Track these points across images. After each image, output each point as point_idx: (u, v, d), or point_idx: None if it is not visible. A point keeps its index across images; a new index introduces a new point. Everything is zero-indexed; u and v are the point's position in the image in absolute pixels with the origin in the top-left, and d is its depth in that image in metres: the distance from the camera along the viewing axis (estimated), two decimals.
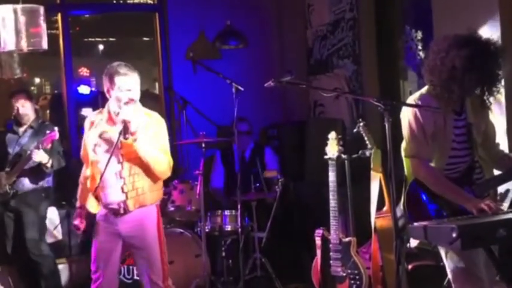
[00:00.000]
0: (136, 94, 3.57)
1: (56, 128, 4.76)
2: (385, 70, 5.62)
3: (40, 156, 4.70)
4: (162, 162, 3.56)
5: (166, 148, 3.62)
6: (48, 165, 4.83)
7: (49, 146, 4.71)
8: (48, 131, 4.72)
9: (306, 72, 6.39)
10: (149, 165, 3.50)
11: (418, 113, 3.07)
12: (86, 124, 3.75)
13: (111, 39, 16.10)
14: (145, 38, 14.30)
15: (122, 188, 3.55)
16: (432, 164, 3.09)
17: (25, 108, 5.00)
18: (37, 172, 4.90)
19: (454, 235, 2.58)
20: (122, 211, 3.58)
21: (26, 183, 4.92)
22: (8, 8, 4.44)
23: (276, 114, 6.45)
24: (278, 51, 6.55)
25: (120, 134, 3.43)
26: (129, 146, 3.47)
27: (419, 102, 3.08)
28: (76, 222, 3.76)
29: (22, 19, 4.47)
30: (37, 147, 4.63)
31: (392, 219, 2.90)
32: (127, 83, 3.53)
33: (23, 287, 5.16)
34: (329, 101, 6.00)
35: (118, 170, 3.56)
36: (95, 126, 3.69)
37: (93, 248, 3.73)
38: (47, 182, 5.03)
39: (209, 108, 5.92)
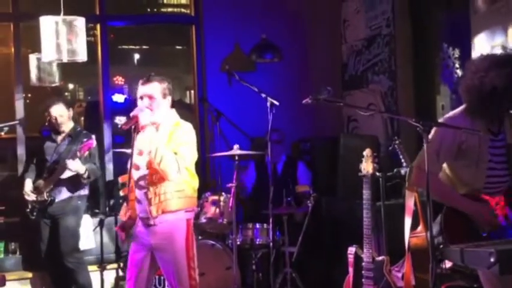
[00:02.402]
0: (152, 102, 3.60)
1: (93, 136, 4.83)
2: (421, 87, 5.58)
3: (75, 165, 4.76)
4: (169, 160, 3.47)
5: (178, 151, 3.55)
6: (85, 176, 4.90)
7: (86, 153, 4.78)
8: (85, 139, 4.79)
9: (340, 87, 6.39)
10: (155, 161, 3.45)
11: (440, 130, 3.06)
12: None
13: (144, 47, 16.23)
14: (177, 47, 14.40)
15: (146, 195, 3.58)
16: (470, 185, 3.07)
17: (62, 118, 5.07)
18: (74, 182, 4.97)
19: (492, 260, 2.56)
20: (149, 220, 3.59)
21: (64, 191, 4.99)
22: (50, 19, 4.55)
23: (309, 128, 6.43)
24: (312, 65, 6.55)
25: (133, 131, 3.48)
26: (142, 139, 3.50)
27: (454, 122, 3.06)
28: (117, 228, 3.81)
29: (63, 30, 4.57)
30: (74, 156, 4.70)
31: (429, 242, 2.86)
32: (140, 92, 3.64)
33: None
34: (363, 117, 5.96)
35: (143, 179, 3.60)
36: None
37: (129, 256, 3.78)
38: (84, 190, 5.10)
39: (243, 121, 5.95)
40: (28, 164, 5.29)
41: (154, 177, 3.56)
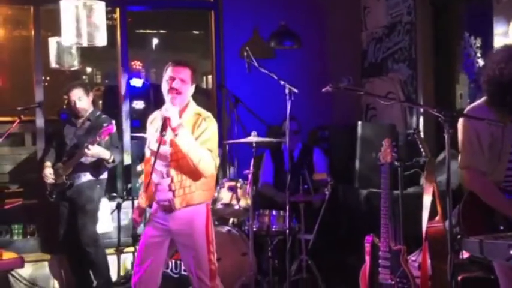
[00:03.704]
0: (183, 85, 3.59)
1: (113, 121, 4.84)
2: (441, 76, 5.53)
3: (93, 150, 4.77)
4: (207, 160, 3.52)
5: (212, 147, 3.59)
6: (110, 160, 4.93)
7: (106, 138, 4.80)
8: (105, 124, 4.80)
9: (359, 74, 6.35)
10: (193, 162, 3.48)
11: (474, 124, 3.02)
12: (148, 120, 3.82)
13: (161, 31, 16.20)
14: (195, 32, 14.35)
15: (170, 186, 3.58)
16: (490, 177, 3.04)
17: (82, 102, 5.08)
18: (98, 166, 5.00)
19: (511, 252, 2.53)
20: (170, 208, 3.61)
21: (83, 175, 5.02)
22: (70, 3, 4.56)
23: (326, 115, 6.41)
24: (332, 52, 6.51)
25: (161, 130, 3.45)
26: (177, 144, 3.49)
27: (477, 113, 3.03)
28: (134, 216, 3.83)
29: (83, 14, 4.58)
30: (93, 140, 4.72)
31: (448, 233, 2.85)
32: (173, 72, 3.59)
33: (73, 276, 5.27)
34: (381, 105, 5.94)
35: (166, 169, 3.59)
36: (152, 122, 3.75)
37: (141, 240, 3.77)
38: (103, 174, 5.13)
39: (260, 107, 5.94)
40: (48, 147, 5.33)
41: (178, 166, 3.56)
